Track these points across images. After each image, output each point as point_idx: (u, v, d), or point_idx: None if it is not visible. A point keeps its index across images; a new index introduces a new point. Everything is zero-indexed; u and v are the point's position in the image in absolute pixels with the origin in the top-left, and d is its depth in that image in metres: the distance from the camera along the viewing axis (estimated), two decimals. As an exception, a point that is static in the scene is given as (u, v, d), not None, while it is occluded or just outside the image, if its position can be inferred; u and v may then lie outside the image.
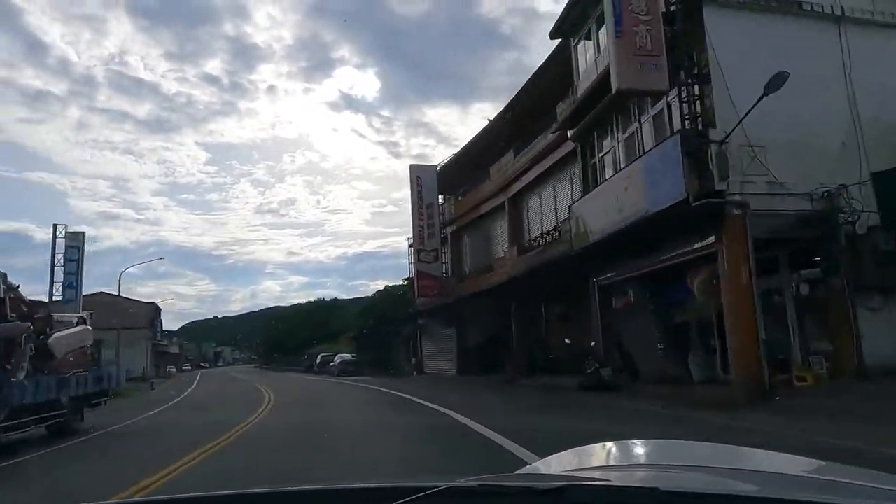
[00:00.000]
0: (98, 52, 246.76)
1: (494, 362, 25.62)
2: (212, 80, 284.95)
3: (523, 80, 22.55)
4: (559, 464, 1.70)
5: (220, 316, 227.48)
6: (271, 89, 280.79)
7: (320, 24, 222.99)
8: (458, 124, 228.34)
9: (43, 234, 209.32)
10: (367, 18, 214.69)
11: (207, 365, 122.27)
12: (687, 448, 1.76)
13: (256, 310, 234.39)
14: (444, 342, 32.73)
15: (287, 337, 79.77)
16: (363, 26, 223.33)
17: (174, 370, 69.90)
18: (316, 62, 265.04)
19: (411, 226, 31.77)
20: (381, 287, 65.36)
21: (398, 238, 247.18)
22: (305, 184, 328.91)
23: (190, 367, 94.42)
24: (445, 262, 32.11)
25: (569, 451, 1.77)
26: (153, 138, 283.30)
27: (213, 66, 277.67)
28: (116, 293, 56.40)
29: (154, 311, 70.26)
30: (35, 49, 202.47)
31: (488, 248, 28.53)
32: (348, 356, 46.19)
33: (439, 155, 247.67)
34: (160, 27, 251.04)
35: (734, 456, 1.65)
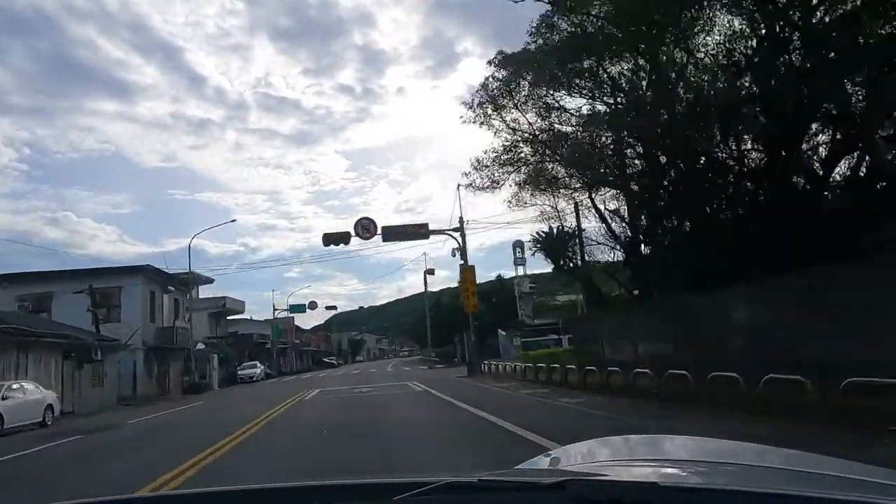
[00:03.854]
0: (246, 77, 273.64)
1: None
2: (346, 89, 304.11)
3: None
4: (559, 459, 1.68)
5: (366, 307, 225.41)
6: (401, 91, 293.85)
7: (442, 21, 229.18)
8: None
9: (214, 248, 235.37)
10: (487, 7, 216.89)
11: (335, 362, 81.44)
12: (687, 443, 1.67)
13: (404, 296, 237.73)
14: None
15: None
16: (484, 15, 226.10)
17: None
18: (441, 58, 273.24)
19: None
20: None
21: (536, 225, 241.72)
22: (439, 179, 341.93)
23: (259, 373, 47.63)
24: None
25: (569, 446, 1.75)
26: (298, 151, 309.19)
27: (346, 75, 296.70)
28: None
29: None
30: (196, 82, 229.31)
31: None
32: None
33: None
34: (298, 47, 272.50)
35: (734, 451, 1.57)
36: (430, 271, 68.84)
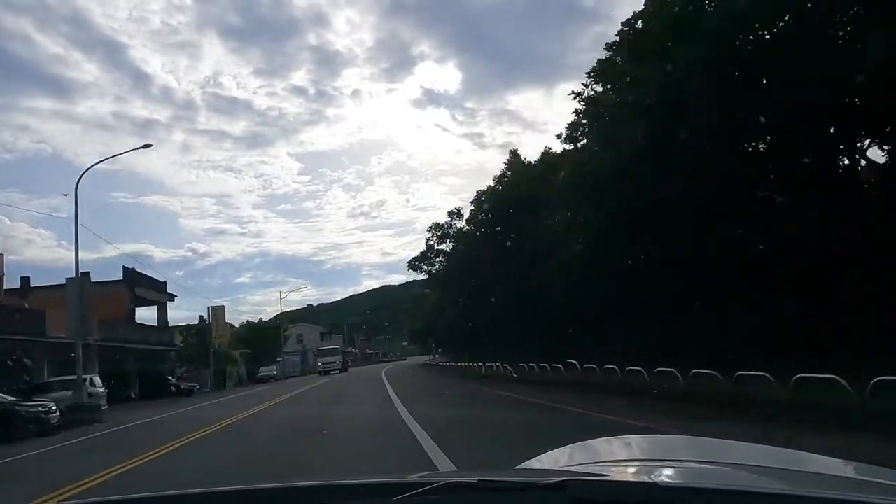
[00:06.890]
0: (195, 76, 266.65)
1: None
2: (299, 91, 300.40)
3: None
4: (559, 459, 1.68)
5: (315, 304, 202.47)
6: (356, 94, 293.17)
7: (398, 23, 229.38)
8: (543, 108, 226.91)
9: (161, 254, 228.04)
10: (443, 10, 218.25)
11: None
12: (685, 443, 1.70)
13: (360, 292, 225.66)
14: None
15: None
16: (440, 18, 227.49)
17: None
18: (396, 61, 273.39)
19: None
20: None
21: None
22: (394, 184, 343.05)
23: None
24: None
25: (568, 446, 1.75)
26: (250, 154, 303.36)
27: (300, 77, 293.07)
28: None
29: None
30: (140, 80, 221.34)
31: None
32: None
33: (526, 142, 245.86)
34: (249, 46, 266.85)
35: (734, 451, 1.60)
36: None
